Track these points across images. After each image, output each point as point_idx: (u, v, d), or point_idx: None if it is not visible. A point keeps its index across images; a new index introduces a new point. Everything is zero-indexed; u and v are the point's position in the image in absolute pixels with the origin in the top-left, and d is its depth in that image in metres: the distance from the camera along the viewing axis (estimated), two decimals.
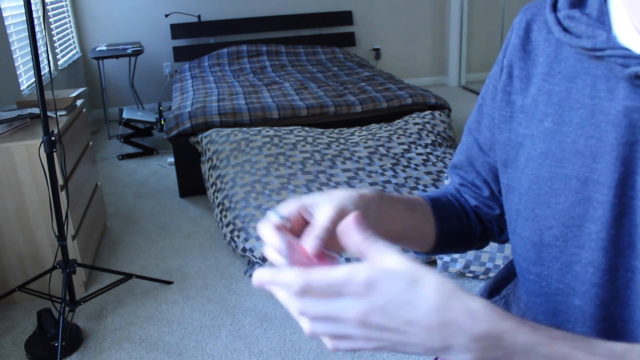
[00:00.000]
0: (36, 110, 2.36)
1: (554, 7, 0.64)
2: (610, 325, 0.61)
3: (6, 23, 3.15)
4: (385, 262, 0.48)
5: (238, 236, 2.52)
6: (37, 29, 3.78)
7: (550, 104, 0.64)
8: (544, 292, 0.67)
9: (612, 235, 0.58)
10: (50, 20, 4.23)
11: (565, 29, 0.62)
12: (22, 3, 2.12)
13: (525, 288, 0.71)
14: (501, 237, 0.86)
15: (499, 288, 0.88)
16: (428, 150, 3.11)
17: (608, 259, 0.59)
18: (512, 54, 0.70)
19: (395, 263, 0.48)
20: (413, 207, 0.77)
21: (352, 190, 0.66)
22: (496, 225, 0.85)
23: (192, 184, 3.34)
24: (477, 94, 5.54)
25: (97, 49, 4.61)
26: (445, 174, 2.83)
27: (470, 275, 2.34)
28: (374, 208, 0.69)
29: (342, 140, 3.16)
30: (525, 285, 0.70)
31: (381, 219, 0.71)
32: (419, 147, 3.11)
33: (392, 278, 0.46)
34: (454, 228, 0.81)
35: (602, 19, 0.60)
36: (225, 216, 2.65)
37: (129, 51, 4.46)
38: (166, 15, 5.09)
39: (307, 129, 3.24)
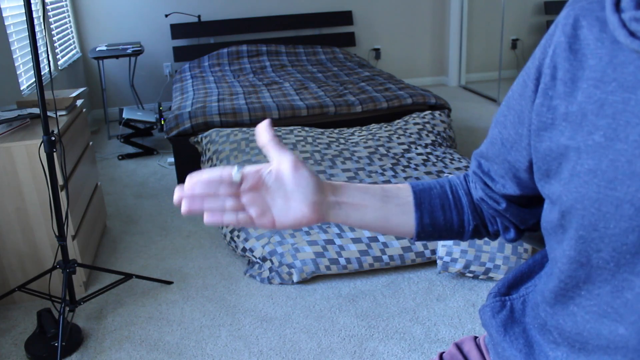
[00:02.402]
0: (36, 110, 2.36)
1: (617, 7, 0.56)
2: None
3: (6, 23, 3.15)
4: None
5: (238, 236, 2.52)
6: (37, 29, 3.78)
7: (602, 116, 0.56)
8: (593, 311, 0.61)
9: None
10: (50, 20, 4.23)
11: (632, 33, 0.54)
12: (22, 3, 2.12)
13: (577, 302, 0.65)
14: (506, 235, 0.81)
15: (517, 284, 0.82)
16: (428, 150, 3.11)
17: None
18: (557, 54, 0.61)
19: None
20: (386, 198, 0.78)
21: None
22: (501, 221, 0.81)
23: None
24: (477, 94, 5.55)
25: (97, 49, 4.61)
26: (445, 174, 2.83)
27: (470, 275, 2.34)
28: (332, 197, 0.74)
29: (342, 140, 3.16)
30: (576, 299, 0.64)
31: (347, 209, 0.75)
32: (419, 147, 3.11)
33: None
34: (436, 220, 0.79)
35: None
36: None
37: (129, 51, 4.46)
38: (166, 15, 5.09)
39: (307, 129, 3.24)
